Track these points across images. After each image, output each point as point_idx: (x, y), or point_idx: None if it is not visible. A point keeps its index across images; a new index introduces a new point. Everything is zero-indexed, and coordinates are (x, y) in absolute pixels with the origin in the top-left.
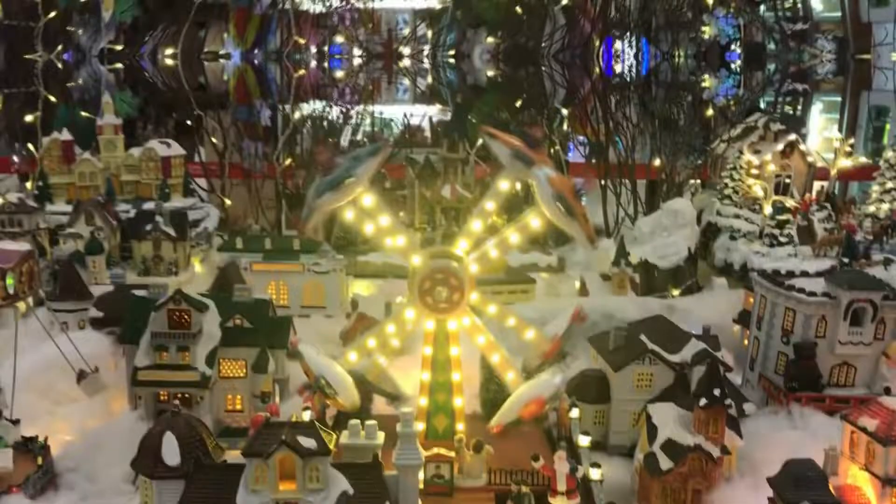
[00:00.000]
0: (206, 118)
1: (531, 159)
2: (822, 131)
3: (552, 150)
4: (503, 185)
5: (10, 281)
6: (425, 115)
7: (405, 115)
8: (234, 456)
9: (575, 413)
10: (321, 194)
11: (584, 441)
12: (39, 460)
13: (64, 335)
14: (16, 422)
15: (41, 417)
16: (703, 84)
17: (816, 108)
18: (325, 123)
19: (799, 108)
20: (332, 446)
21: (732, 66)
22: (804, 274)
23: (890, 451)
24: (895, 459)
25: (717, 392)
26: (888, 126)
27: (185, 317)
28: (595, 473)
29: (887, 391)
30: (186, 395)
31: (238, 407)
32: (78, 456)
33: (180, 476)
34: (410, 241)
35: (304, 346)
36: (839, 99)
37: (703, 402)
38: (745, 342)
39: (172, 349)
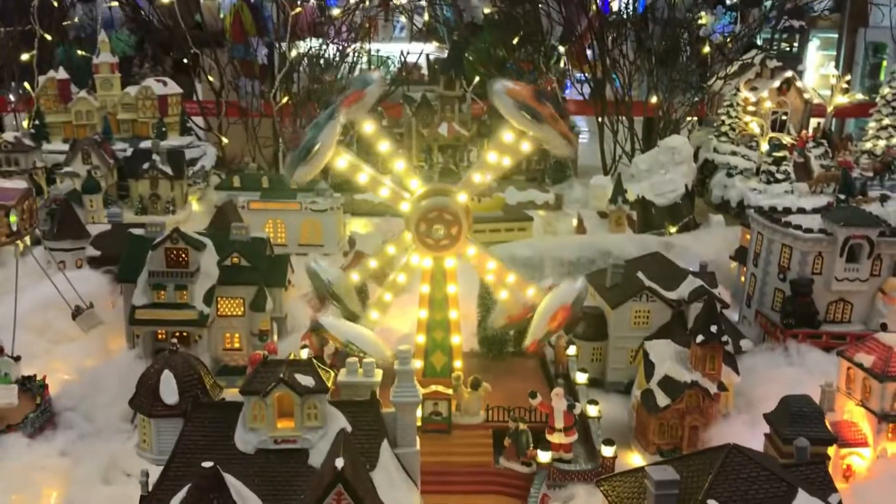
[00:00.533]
0: (202, 57)
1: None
2: (818, 68)
3: (549, 88)
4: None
5: (13, 218)
6: (422, 52)
7: (402, 53)
8: (232, 394)
9: (572, 350)
10: (294, 169)
11: (581, 378)
12: (38, 399)
13: (61, 274)
14: (17, 358)
15: (39, 356)
16: (700, 21)
17: (813, 45)
18: (321, 62)
19: (795, 44)
20: (329, 384)
21: (728, 1)
22: (801, 211)
23: (886, 386)
24: (891, 395)
25: (713, 329)
26: (885, 62)
27: (183, 255)
28: (592, 410)
29: (883, 327)
30: (184, 334)
31: (236, 345)
32: (76, 395)
33: (179, 414)
34: (395, 193)
35: (324, 318)
36: (836, 35)
37: (700, 338)
38: (742, 279)
39: (170, 288)
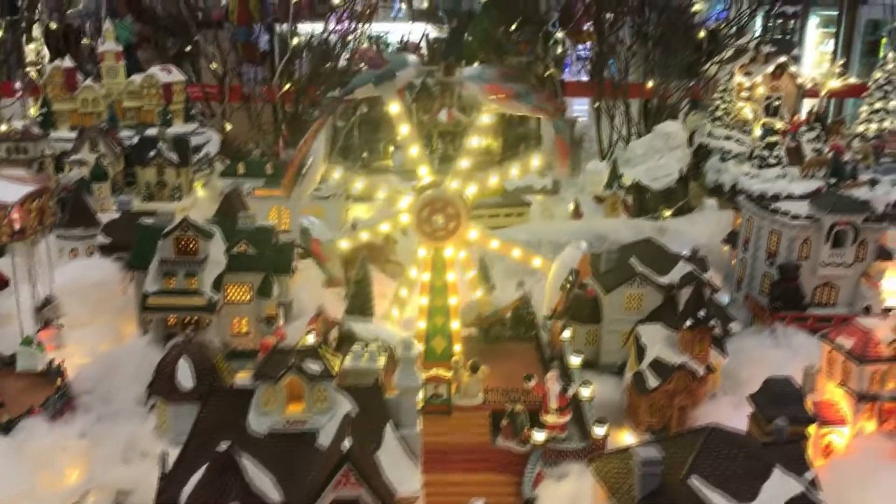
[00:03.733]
0: (204, 43)
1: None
2: (818, 45)
3: (547, 74)
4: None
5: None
6: (424, 33)
7: (402, 37)
8: (240, 378)
9: (567, 334)
10: (291, 189)
11: (575, 361)
12: (57, 382)
13: (75, 261)
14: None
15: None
16: (695, 7)
17: (813, 22)
18: (322, 49)
19: (790, 30)
20: (336, 370)
21: None
22: (790, 197)
23: (864, 368)
24: (869, 376)
25: (701, 314)
26: (884, 39)
27: (192, 244)
28: (585, 392)
29: (867, 310)
30: (194, 319)
31: (244, 330)
32: (92, 378)
33: (195, 399)
34: (392, 193)
35: (350, 322)
36: (836, 13)
37: (688, 323)
38: (734, 262)
39: (180, 275)
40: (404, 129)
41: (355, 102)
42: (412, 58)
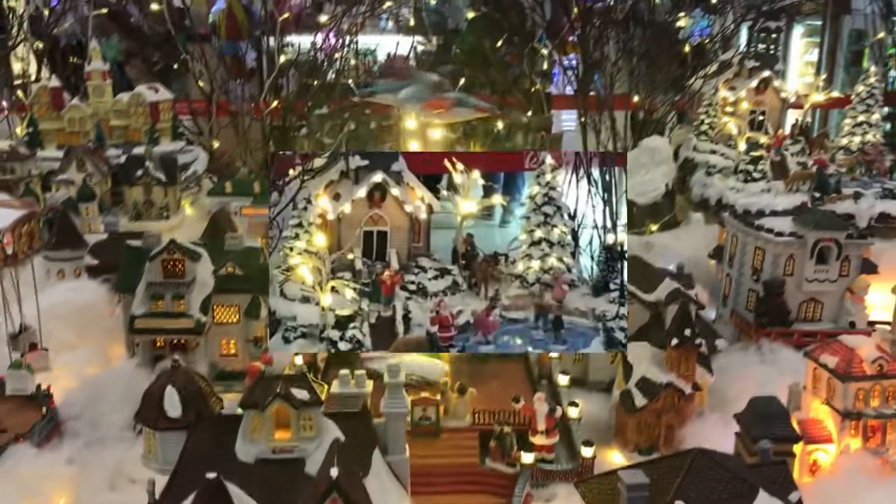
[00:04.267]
0: (191, 62)
1: None
2: (803, 55)
3: (533, 90)
4: None
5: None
6: (413, 44)
7: (389, 53)
8: (230, 399)
9: (555, 353)
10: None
11: (563, 380)
12: (44, 409)
13: (62, 283)
14: (45, 350)
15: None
16: (679, 24)
17: (797, 32)
18: (308, 67)
19: (773, 44)
20: (322, 396)
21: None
22: (774, 212)
23: (848, 386)
24: (853, 394)
25: (687, 332)
26: (867, 50)
27: (180, 266)
28: (573, 412)
29: (852, 325)
30: (182, 341)
31: (232, 351)
32: (80, 403)
33: (182, 427)
34: None
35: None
36: (820, 23)
37: (674, 342)
38: (720, 277)
39: (168, 297)
40: (414, 146)
41: (342, 120)
42: (435, 77)
